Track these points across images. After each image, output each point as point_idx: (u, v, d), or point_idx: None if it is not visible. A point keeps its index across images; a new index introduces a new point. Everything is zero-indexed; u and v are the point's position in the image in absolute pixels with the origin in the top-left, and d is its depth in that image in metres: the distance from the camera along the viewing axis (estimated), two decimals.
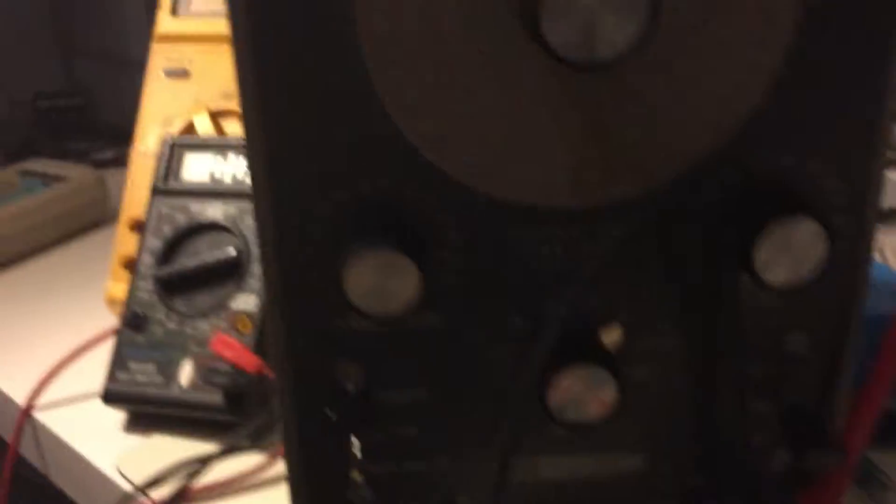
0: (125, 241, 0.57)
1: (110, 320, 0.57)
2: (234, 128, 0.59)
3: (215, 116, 0.59)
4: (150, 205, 0.53)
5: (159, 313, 0.51)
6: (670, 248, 0.31)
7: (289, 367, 0.33)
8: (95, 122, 2.29)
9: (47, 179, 0.78)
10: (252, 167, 0.30)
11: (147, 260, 0.52)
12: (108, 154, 0.98)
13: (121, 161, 0.95)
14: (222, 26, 0.63)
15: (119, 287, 0.56)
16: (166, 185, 0.53)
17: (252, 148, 0.30)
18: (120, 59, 2.25)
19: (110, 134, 2.30)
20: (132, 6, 2.16)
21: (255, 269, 0.50)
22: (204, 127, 0.58)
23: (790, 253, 0.29)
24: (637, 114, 0.30)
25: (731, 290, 0.30)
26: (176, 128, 0.58)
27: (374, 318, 0.30)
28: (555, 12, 0.26)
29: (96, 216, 0.79)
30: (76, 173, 0.78)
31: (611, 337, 0.32)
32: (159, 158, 0.54)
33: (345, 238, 0.30)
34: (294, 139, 0.29)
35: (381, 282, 0.29)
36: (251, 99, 0.29)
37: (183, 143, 0.54)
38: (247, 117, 0.30)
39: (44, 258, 0.74)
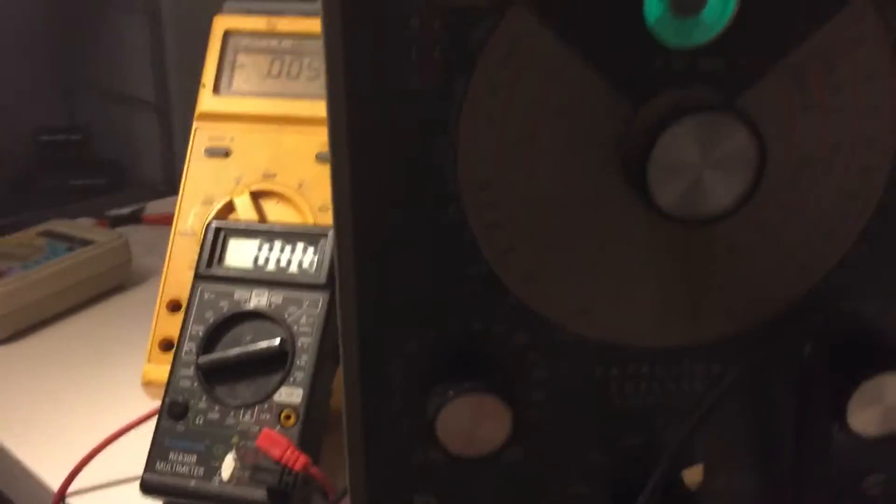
0: (164, 323, 0.57)
1: (145, 401, 0.57)
2: (273, 209, 0.59)
3: (256, 197, 0.59)
4: (193, 290, 0.53)
5: (201, 402, 0.50)
6: (757, 391, 0.31)
7: (364, 498, 0.33)
8: (95, 157, 2.30)
9: (72, 243, 0.77)
10: (343, 305, 0.30)
11: (189, 346, 0.52)
12: (125, 210, 0.97)
13: (137, 217, 0.95)
14: (264, 106, 0.63)
15: (156, 369, 0.56)
16: (209, 270, 0.53)
17: (344, 286, 0.30)
18: (120, 95, 2.26)
19: (110, 170, 2.30)
20: (134, 44, 2.17)
21: (300, 360, 0.50)
22: (244, 208, 0.58)
23: (882, 405, 0.29)
24: (726, 260, 0.30)
25: (822, 439, 0.30)
26: (216, 208, 0.58)
27: (461, 458, 0.30)
28: (663, 173, 0.26)
29: (121, 280, 0.78)
30: (102, 237, 0.78)
31: (693, 477, 0.32)
32: (203, 242, 0.54)
33: (432, 377, 0.30)
34: (386, 278, 0.29)
35: (475, 425, 0.29)
36: (346, 234, 0.29)
37: (227, 227, 0.54)
38: (341, 253, 0.30)
39: (70, 324, 0.73)
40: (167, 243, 0.89)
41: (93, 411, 0.60)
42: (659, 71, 0.27)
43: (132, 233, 0.90)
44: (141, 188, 2.20)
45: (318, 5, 0.79)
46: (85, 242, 0.76)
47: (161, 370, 0.55)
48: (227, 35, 0.62)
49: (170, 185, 2.20)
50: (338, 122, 0.27)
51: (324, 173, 0.59)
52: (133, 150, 2.33)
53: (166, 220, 0.95)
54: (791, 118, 0.28)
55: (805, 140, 0.28)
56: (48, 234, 0.78)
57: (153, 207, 0.99)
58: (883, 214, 0.29)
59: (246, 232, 0.54)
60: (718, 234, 0.29)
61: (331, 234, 0.53)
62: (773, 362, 0.30)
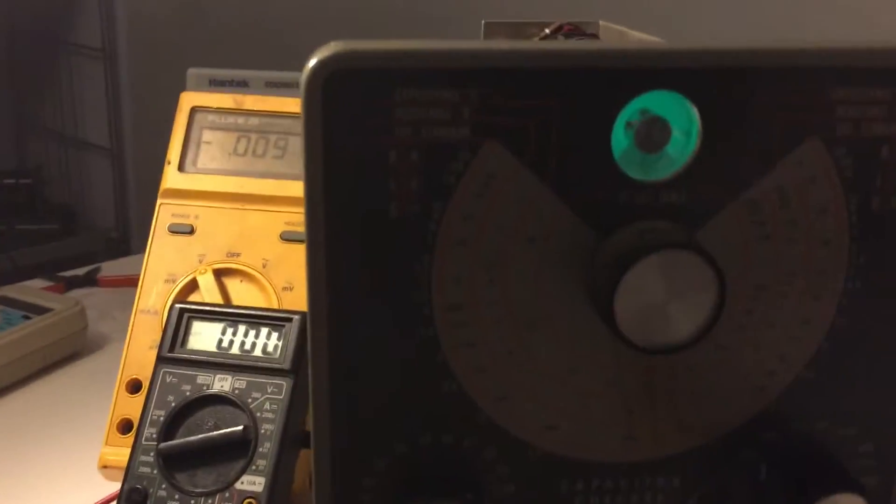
0: (123, 404, 0.56)
1: (102, 485, 0.56)
2: (237, 287, 0.59)
3: (220, 276, 0.59)
4: (155, 373, 0.52)
5: (161, 490, 0.50)
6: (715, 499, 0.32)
7: None
8: (46, 202, 2.26)
9: (27, 310, 0.76)
10: (316, 416, 0.31)
11: (149, 432, 0.51)
12: (80, 272, 0.96)
13: (92, 279, 0.94)
14: (229, 184, 0.64)
15: (114, 452, 0.55)
16: (172, 353, 0.53)
17: (317, 397, 0.30)
18: (74, 139, 2.23)
19: (61, 215, 2.26)
20: (90, 87, 2.16)
21: (263, 447, 0.50)
22: (208, 287, 0.58)
23: None
24: (686, 379, 0.31)
25: None
26: (179, 286, 0.58)
27: None
28: (630, 306, 0.27)
29: (76, 347, 0.77)
30: (58, 304, 0.77)
31: None
32: (166, 324, 0.53)
33: (403, 489, 0.31)
34: (360, 393, 0.30)
35: None
36: (322, 350, 0.30)
37: (191, 309, 0.54)
38: (315, 368, 0.30)
39: (23, 395, 0.71)
40: (122, 307, 0.88)
41: (48, 494, 0.59)
42: (624, 203, 0.29)
43: (87, 296, 0.89)
44: (92, 235, 2.18)
45: (284, 74, 0.80)
46: (41, 310, 0.75)
47: (119, 453, 0.54)
48: (193, 111, 0.63)
49: (122, 231, 2.18)
50: (316, 244, 0.28)
51: (288, 252, 0.59)
52: (86, 195, 2.30)
53: (122, 283, 0.95)
54: (748, 248, 0.30)
55: (761, 269, 0.30)
56: (2, 301, 0.76)
57: (108, 269, 0.98)
58: (833, 339, 0.31)
59: (210, 314, 0.54)
60: (679, 357, 0.30)
61: (295, 319, 0.54)
62: (729, 482, 0.32)
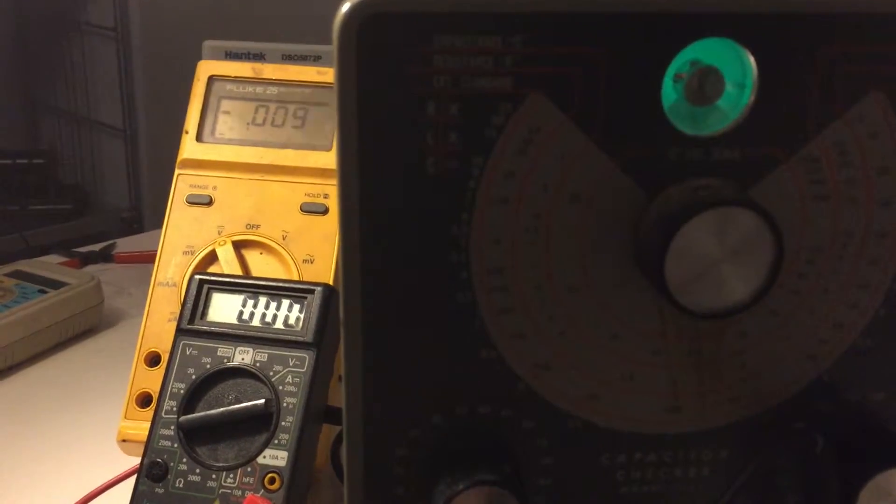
0: (142, 377, 0.55)
1: (121, 458, 0.55)
2: (257, 260, 0.58)
3: (239, 248, 0.57)
4: (175, 345, 0.51)
5: (181, 464, 0.49)
6: (767, 484, 0.31)
7: None
8: (59, 182, 2.26)
9: (43, 285, 0.75)
10: (348, 385, 0.29)
11: (169, 405, 0.50)
12: (96, 247, 0.95)
13: (107, 255, 0.93)
14: (248, 154, 0.62)
15: (133, 426, 0.54)
16: (192, 324, 0.52)
17: (350, 366, 0.29)
18: (87, 120, 2.23)
19: (74, 195, 2.25)
20: (103, 68, 2.15)
21: (286, 421, 0.49)
22: (227, 259, 0.57)
23: (892, 499, 0.29)
24: (735, 347, 0.30)
25: None
26: (197, 258, 0.57)
27: None
28: (681, 267, 0.26)
29: (92, 322, 0.76)
30: (74, 279, 0.76)
31: None
32: (185, 296, 0.52)
33: (437, 463, 0.29)
34: (395, 362, 0.29)
35: None
36: (356, 315, 0.28)
37: (211, 281, 0.53)
38: (349, 332, 0.29)
39: (40, 370, 0.71)
40: (138, 283, 0.87)
41: (66, 467, 0.58)
42: (674, 160, 0.27)
43: (103, 272, 0.88)
44: (105, 215, 2.18)
45: (301, 47, 0.78)
46: (57, 284, 0.74)
47: (138, 427, 0.53)
48: (211, 80, 0.61)
49: (135, 211, 2.17)
50: (350, 203, 0.27)
51: (308, 224, 0.58)
52: (98, 175, 2.29)
53: (138, 259, 0.94)
54: (804, 208, 0.28)
55: (817, 230, 0.28)
56: (18, 276, 0.75)
57: (123, 245, 0.97)
58: (891, 305, 0.29)
59: (230, 286, 0.53)
60: (728, 322, 0.29)
61: (318, 290, 0.52)
62: (782, 453, 0.30)
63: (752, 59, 0.26)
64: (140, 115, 2.15)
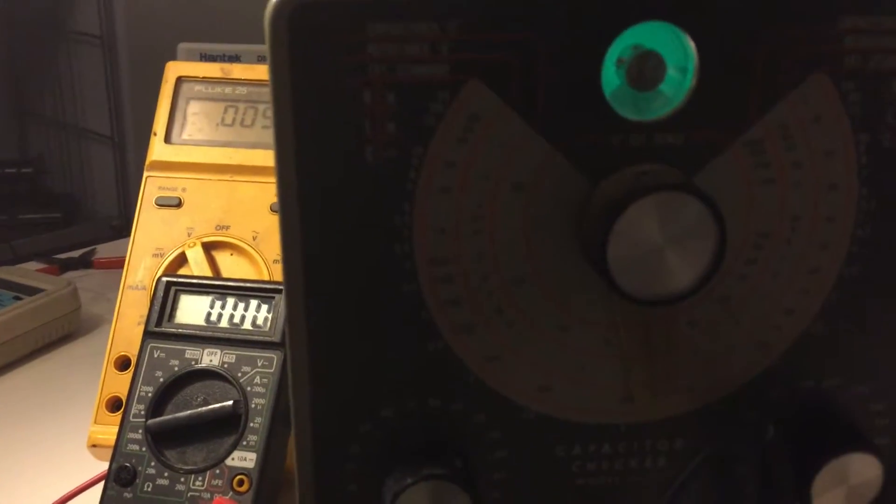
0: (112, 381, 0.55)
1: (91, 464, 0.54)
2: (227, 261, 0.57)
3: (209, 249, 0.57)
4: (143, 348, 0.51)
5: (149, 468, 0.48)
6: (720, 472, 0.31)
7: None
8: (47, 191, 2.25)
9: (19, 291, 0.75)
10: (294, 382, 0.29)
11: (137, 408, 0.50)
12: (76, 253, 0.95)
13: (87, 261, 0.92)
14: (217, 155, 0.62)
15: (103, 430, 0.53)
16: (160, 327, 0.51)
17: (296, 360, 0.29)
18: (75, 128, 2.22)
19: (62, 204, 2.25)
20: (91, 76, 2.14)
21: (254, 422, 0.48)
22: (197, 261, 0.56)
23: (846, 485, 0.29)
24: (686, 335, 0.29)
25: None
26: (167, 260, 0.57)
27: None
28: (624, 254, 0.25)
29: (69, 328, 0.76)
30: (50, 285, 0.76)
31: None
32: (153, 298, 0.52)
33: (389, 459, 0.29)
34: (341, 355, 0.28)
35: None
36: (299, 310, 0.28)
37: (178, 282, 0.53)
38: (293, 328, 0.28)
39: (15, 377, 0.70)
40: (117, 288, 0.87)
41: (36, 474, 0.57)
42: (617, 146, 0.27)
43: (81, 278, 0.87)
44: (94, 224, 2.17)
45: None
46: (32, 291, 0.74)
47: (108, 431, 0.53)
48: (179, 81, 0.61)
49: (125, 220, 2.17)
50: (289, 196, 0.26)
51: (278, 224, 0.58)
52: (87, 184, 2.29)
53: (117, 265, 0.93)
54: (750, 192, 0.28)
55: (764, 215, 0.28)
56: None
57: (104, 250, 0.97)
58: (842, 290, 0.29)
59: (198, 287, 0.52)
60: (678, 310, 0.29)
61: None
62: (735, 441, 0.30)
63: (692, 43, 0.26)
64: (127, 123, 2.15)
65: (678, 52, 0.27)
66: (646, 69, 0.26)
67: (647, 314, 0.28)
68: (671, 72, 0.27)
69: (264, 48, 0.78)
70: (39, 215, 2.23)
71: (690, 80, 0.27)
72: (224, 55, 0.84)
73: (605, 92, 0.26)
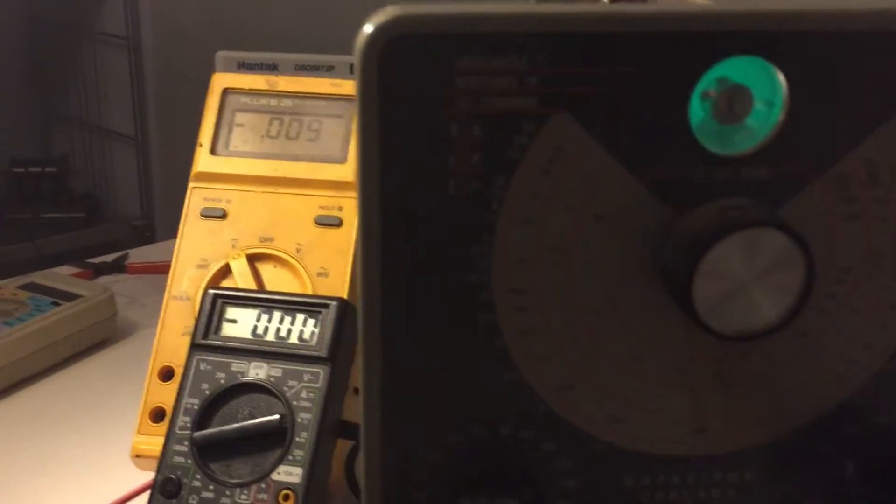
0: (155, 392, 0.55)
1: (135, 474, 0.54)
2: (271, 273, 0.57)
3: (253, 261, 0.57)
4: (189, 360, 0.51)
5: (195, 480, 0.48)
6: (790, 498, 0.30)
7: None
8: (70, 191, 2.26)
9: (57, 297, 0.75)
10: (366, 407, 0.29)
11: (183, 420, 0.50)
12: (108, 258, 0.95)
13: (120, 266, 0.93)
14: (262, 167, 0.62)
15: (147, 441, 0.53)
16: (206, 339, 0.52)
17: (368, 385, 0.29)
18: (99, 128, 2.23)
19: (85, 204, 2.26)
20: (115, 76, 2.15)
21: (300, 437, 0.48)
22: (241, 273, 0.56)
23: None
24: (762, 368, 0.29)
25: None
26: (212, 271, 0.57)
27: None
28: (709, 288, 0.25)
29: (106, 335, 0.76)
30: (87, 290, 0.76)
31: None
32: (200, 310, 0.52)
33: (457, 487, 0.29)
34: (414, 382, 0.28)
35: None
36: (375, 336, 0.28)
37: (225, 295, 0.53)
38: (367, 353, 0.28)
39: (53, 383, 0.70)
40: (151, 294, 0.87)
41: (79, 482, 0.57)
42: (702, 179, 0.27)
43: (115, 283, 0.88)
44: (117, 224, 2.18)
45: (314, 57, 0.78)
46: (70, 297, 0.74)
47: (152, 442, 0.53)
48: (225, 93, 0.61)
49: (147, 220, 2.18)
50: (371, 224, 0.26)
51: (322, 237, 0.58)
52: (110, 184, 2.30)
53: (151, 270, 0.94)
54: (834, 227, 0.27)
55: (847, 250, 0.28)
56: (31, 288, 0.75)
57: (136, 255, 0.97)
58: None
59: (244, 300, 0.52)
60: (755, 343, 0.28)
61: (332, 305, 0.52)
62: (807, 476, 0.30)
63: (781, 77, 0.26)
64: (151, 124, 2.16)
65: (765, 85, 0.26)
66: (734, 103, 0.26)
67: (723, 346, 0.28)
68: (758, 105, 0.27)
69: (301, 57, 0.78)
70: (62, 214, 2.25)
71: (778, 114, 0.26)
72: (262, 64, 0.84)
73: (692, 125, 0.26)
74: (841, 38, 0.26)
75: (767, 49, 0.26)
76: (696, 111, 0.26)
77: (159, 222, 2.15)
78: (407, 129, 0.25)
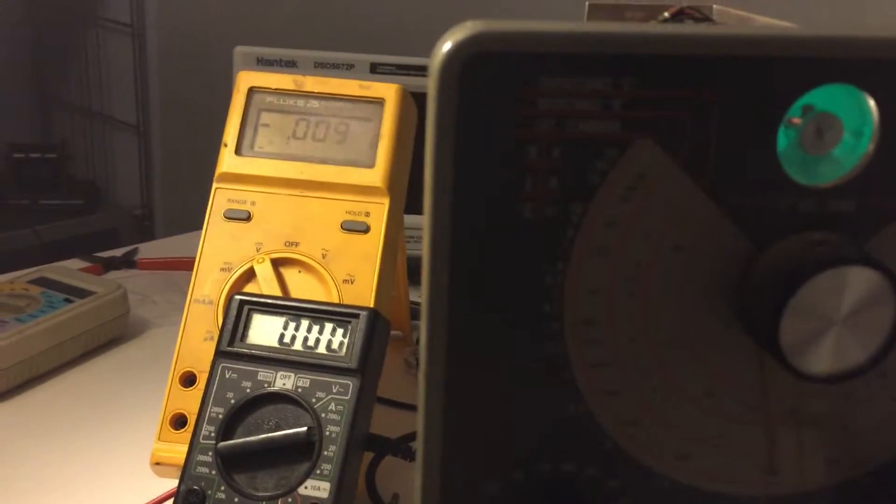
0: (177, 398, 0.54)
1: (154, 481, 0.53)
2: (295, 278, 0.56)
3: (277, 265, 0.56)
4: (214, 367, 0.50)
5: (219, 492, 0.47)
6: None
7: None
8: (70, 177, 2.24)
9: (69, 293, 0.74)
10: (427, 436, 0.28)
11: (207, 430, 0.49)
12: (118, 253, 0.94)
13: (131, 261, 0.91)
14: (287, 169, 0.61)
15: (167, 448, 0.52)
16: (231, 346, 0.50)
17: (429, 414, 0.27)
18: (100, 115, 2.21)
19: (85, 190, 2.24)
20: (117, 63, 2.13)
21: (328, 451, 0.47)
22: (266, 277, 0.55)
23: None
24: (838, 407, 0.28)
25: None
26: (235, 275, 0.55)
27: None
28: (795, 327, 0.24)
29: (118, 332, 0.75)
30: (100, 287, 0.74)
31: None
32: (225, 316, 0.51)
33: None
34: (477, 413, 0.27)
35: None
36: (439, 363, 0.27)
37: (252, 301, 0.51)
38: (430, 380, 0.27)
39: (65, 381, 0.69)
40: (161, 291, 0.85)
41: (95, 488, 0.56)
42: (786, 211, 0.25)
43: (126, 279, 0.86)
44: (117, 211, 2.16)
45: (333, 55, 0.76)
46: (83, 293, 0.73)
47: (172, 449, 0.52)
48: (251, 92, 0.60)
49: (147, 209, 2.16)
50: (441, 247, 0.25)
51: (349, 243, 0.56)
52: (110, 171, 2.28)
53: (162, 266, 0.93)
54: None
55: None
56: (43, 283, 0.74)
57: (145, 250, 0.96)
58: None
59: (271, 308, 0.51)
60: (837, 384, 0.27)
61: (363, 315, 0.51)
62: None
63: (872, 106, 0.25)
64: (154, 112, 2.14)
65: (854, 115, 0.25)
66: (824, 132, 0.25)
67: (799, 384, 0.27)
68: (846, 136, 0.25)
69: (321, 55, 0.76)
70: (62, 201, 2.22)
71: (866, 145, 0.25)
72: (281, 60, 0.82)
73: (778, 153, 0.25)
74: None
75: (859, 77, 0.25)
76: (782, 140, 0.25)
77: (159, 212, 2.13)
78: (484, 150, 0.24)
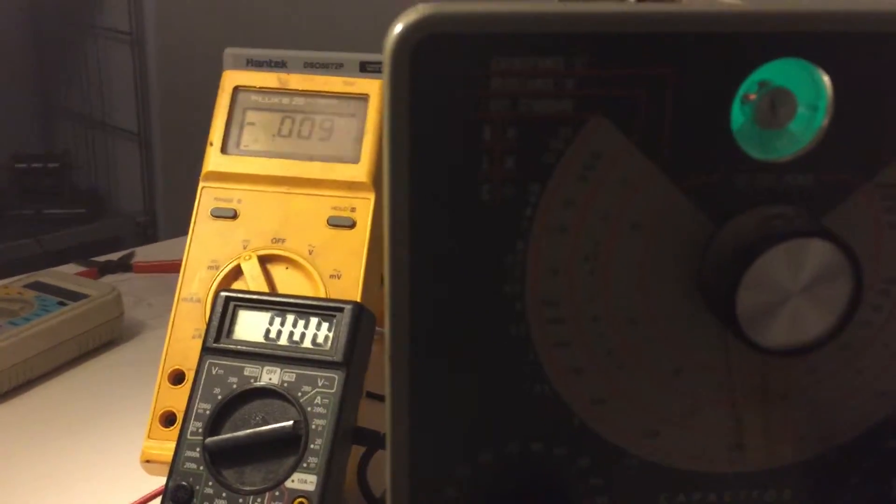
0: (166, 395, 0.54)
1: (144, 479, 0.54)
2: (282, 275, 0.56)
3: (264, 262, 0.56)
4: (200, 363, 0.50)
5: (207, 487, 0.47)
6: None
7: None
8: (73, 186, 2.25)
9: (63, 296, 0.74)
10: (393, 422, 0.28)
11: (195, 426, 0.49)
12: (113, 257, 0.94)
13: (126, 265, 0.92)
14: (274, 166, 0.61)
15: (157, 446, 0.52)
16: (218, 343, 0.51)
17: (396, 400, 0.28)
18: (101, 124, 2.22)
19: (88, 200, 2.25)
20: (118, 72, 2.14)
21: (314, 444, 0.47)
22: (253, 274, 0.55)
23: None
24: (803, 383, 0.28)
25: None
26: (222, 273, 0.56)
27: None
28: (752, 301, 0.24)
29: (112, 335, 0.75)
30: (94, 290, 0.75)
31: None
32: (211, 313, 0.51)
33: (484, 501, 0.28)
34: (443, 396, 0.27)
35: None
36: (403, 349, 0.27)
37: (237, 298, 0.52)
38: (395, 366, 0.27)
39: (59, 383, 0.69)
40: (157, 294, 0.86)
41: (87, 487, 0.56)
42: (743, 186, 0.26)
43: (121, 282, 0.87)
44: (119, 220, 2.17)
45: (323, 54, 0.76)
46: (77, 296, 0.73)
47: (162, 446, 0.52)
48: (236, 91, 0.60)
49: (150, 216, 2.17)
50: (400, 231, 0.25)
51: (335, 238, 0.57)
52: (113, 179, 2.29)
53: (157, 269, 0.93)
54: (879, 236, 0.26)
55: (892, 260, 0.27)
56: (37, 287, 0.74)
57: (141, 253, 0.96)
58: None
59: (257, 303, 0.51)
60: (797, 357, 0.27)
61: (347, 309, 0.51)
62: (850, 494, 0.29)
63: (826, 80, 0.25)
64: (155, 120, 2.15)
65: (809, 89, 0.25)
66: (778, 107, 0.25)
67: (764, 360, 0.27)
68: (801, 110, 0.25)
69: (310, 55, 0.77)
70: (65, 210, 2.23)
71: (822, 119, 0.25)
72: (270, 61, 0.83)
73: (732, 128, 0.25)
74: (888, 41, 0.25)
75: (813, 51, 0.25)
76: (736, 115, 0.25)
77: (162, 219, 2.14)
78: (438, 133, 0.24)
